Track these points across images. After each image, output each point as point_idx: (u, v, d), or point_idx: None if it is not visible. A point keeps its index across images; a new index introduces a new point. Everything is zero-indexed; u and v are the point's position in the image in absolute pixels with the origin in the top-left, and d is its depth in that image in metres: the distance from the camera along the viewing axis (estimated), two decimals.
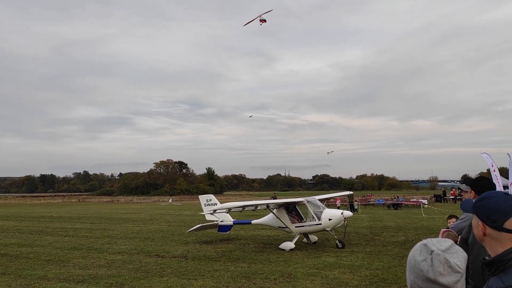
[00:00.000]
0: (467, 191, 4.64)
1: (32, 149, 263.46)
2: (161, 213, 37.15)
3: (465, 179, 5.09)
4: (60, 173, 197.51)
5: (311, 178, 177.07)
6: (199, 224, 18.05)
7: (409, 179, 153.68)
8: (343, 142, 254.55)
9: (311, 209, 15.20)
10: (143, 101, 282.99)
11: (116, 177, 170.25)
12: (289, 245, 14.60)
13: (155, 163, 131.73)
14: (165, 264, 12.22)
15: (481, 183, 4.20)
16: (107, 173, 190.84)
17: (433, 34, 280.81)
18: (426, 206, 36.58)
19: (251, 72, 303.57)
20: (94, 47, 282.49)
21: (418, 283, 1.55)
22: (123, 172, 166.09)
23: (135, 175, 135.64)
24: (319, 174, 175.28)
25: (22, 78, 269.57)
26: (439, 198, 49.20)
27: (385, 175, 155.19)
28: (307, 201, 15.65)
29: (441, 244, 1.57)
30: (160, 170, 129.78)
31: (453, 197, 46.53)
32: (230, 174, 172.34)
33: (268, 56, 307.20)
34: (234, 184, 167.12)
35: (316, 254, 13.55)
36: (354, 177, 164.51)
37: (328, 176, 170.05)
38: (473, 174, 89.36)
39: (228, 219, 17.77)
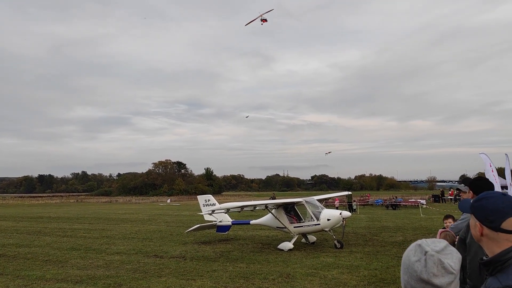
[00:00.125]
0: (466, 191, 4.65)
1: (30, 149, 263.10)
2: (160, 214, 37.12)
3: (464, 179, 5.11)
4: (58, 174, 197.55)
5: (310, 178, 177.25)
6: (197, 224, 18.03)
7: (407, 179, 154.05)
8: (342, 142, 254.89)
9: (309, 210, 15.21)
10: (142, 101, 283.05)
11: (115, 178, 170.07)
12: (287, 245, 14.60)
13: (153, 163, 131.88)
14: (164, 265, 12.21)
15: (479, 184, 4.21)
16: (106, 173, 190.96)
17: (432, 35, 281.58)
18: (425, 206, 36.65)
19: (249, 72, 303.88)
20: (93, 47, 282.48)
21: (411, 283, 1.55)
22: (121, 173, 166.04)
23: (134, 175, 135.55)
24: (317, 175, 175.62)
25: (20, 78, 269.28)
26: (438, 198, 49.25)
27: (383, 175, 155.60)
28: (306, 202, 15.66)
29: (435, 245, 1.57)
30: (158, 170, 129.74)
31: (452, 197, 46.61)
32: (228, 174, 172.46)
33: (266, 56, 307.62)
34: (232, 184, 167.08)
35: (314, 254, 13.55)
36: (353, 177, 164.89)
37: (327, 176, 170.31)
38: (471, 174, 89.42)
39: (226, 220, 17.77)
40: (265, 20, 43.16)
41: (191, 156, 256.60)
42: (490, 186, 4.22)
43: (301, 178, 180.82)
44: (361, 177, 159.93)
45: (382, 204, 41.75)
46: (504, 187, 16.49)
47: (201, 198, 19.45)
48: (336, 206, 32.63)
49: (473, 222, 1.87)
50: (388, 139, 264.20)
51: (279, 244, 15.04)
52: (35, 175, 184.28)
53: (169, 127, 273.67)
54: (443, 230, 5.91)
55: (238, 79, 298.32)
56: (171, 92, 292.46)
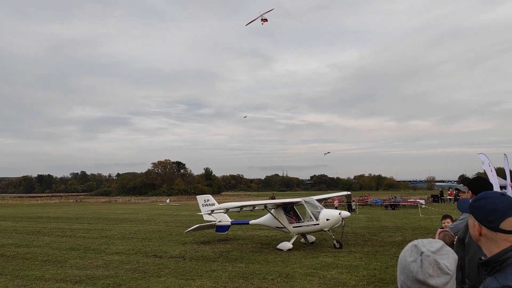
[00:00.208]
0: (465, 191, 4.66)
1: (29, 149, 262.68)
2: (159, 214, 37.09)
3: (463, 179, 5.12)
4: (57, 174, 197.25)
5: (309, 178, 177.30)
6: (197, 224, 18.03)
7: (406, 179, 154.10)
8: (341, 142, 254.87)
9: (308, 209, 15.21)
10: (141, 101, 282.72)
11: (114, 178, 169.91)
12: (287, 245, 14.60)
13: (153, 163, 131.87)
14: (163, 265, 12.21)
15: (478, 184, 4.21)
16: (105, 173, 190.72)
17: (431, 35, 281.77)
18: (424, 206, 36.68)
19: (249, 72, 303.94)
20: (92, 47, 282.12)
21: (408, 283, 1.55)
22: (120, 173, 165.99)
23: (133, 175, 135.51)
24: (317, 174, 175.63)
25: (20, 78, 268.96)
26: (437, 198, 49.28)
27: (382, 175, 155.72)
28: (305, 201, 15.66)
29: (431, 245, 1.57)
30: (158, 170, 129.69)
31: (451, 197, 46.64)
32: (228, 174, 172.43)
33: (266, 56, 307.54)
34: (232, 184, 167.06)
35: (313, 254, 13.56)
36: (352, 177, 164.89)
37: (326, 176, 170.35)
38: (470, 174, 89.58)
39: (226, 219, 17.77)
40: (266, 20, 43.18)
41: (190, 156, 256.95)
42: (489, 186, 4.23)
43: (300, 178, 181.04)
44: (360, 177, 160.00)
45: (381, 204, 41.75)
46: (503, 187, 16.51)
47: (200, 198, 19.44)
48: (335, 206, 32.65)
49: (472, 222, 1.87)
50: (387, 139, 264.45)
51: (278, 244, 15.03)
52: (34, 175, 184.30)
53: (169, 127, 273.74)
54: (442, 230, 5.92)
55: (238, 79, 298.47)
56: (170, 92, 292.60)
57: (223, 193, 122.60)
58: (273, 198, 40.03)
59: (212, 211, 15.07)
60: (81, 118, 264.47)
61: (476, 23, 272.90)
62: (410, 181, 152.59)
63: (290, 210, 15.83)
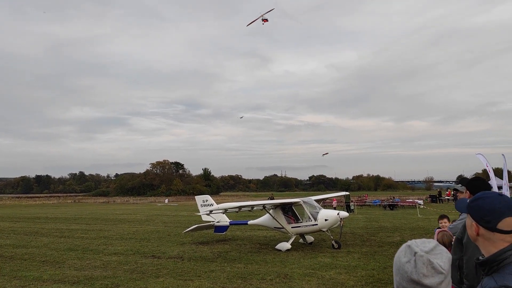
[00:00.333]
0: (463, 192, 4.67)
1: (27, 149, 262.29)
2: (157, 214, 37.05)
3: (461, 179, 5.12)
4: (55, 174, 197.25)
5: (308, 178, 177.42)
6: (195, 224, 18.01)
7: (405, 180, 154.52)
8: (339, 143, 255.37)
9: (307, 210, 15.21)
10: (139, 102, 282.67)
11: (112, 178, 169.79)
12: (285, 245, 14.60)
13: (151, 163, 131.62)
14: (161, 265, 12.19)
15: (476, 184, 4.22)
16: (103, 173, 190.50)
17: (428, 35, 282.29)
18: (422, 206, 36.74)
19: (247, 73, 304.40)
20: (90, 47, 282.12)
21: (403, 284, 1.56)
22: (119, 173, 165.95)
23: (131, 175, 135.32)
24: (315, 175, 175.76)
25: (17, 78, 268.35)
26: (435, 199, 49.39)
27: (381, 176, 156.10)
28: (303, 202, 15.66)
29: (424, 245, 1.58)
30: (156, 170, 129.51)
31: (449, 197, 46.73)
32: (226, 175, 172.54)
33: (264, 56, 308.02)
34: (230, 185, 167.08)
35: (312, 255, 13.56)
36: (350, 177, 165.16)
37: (325, 176, 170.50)
38: (468, 174, 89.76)
39: (224, 220, 17.76)
40: (266, 20, 43.21)
41: (189, 156, 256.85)
42: (487, 186, 4.24)
43: (299, 178, 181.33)
44: (359, 177, 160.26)
45: (379, 205, 41.80)
46: (500, 187, 16.56)
47: (199, 199, 19.43)
48: (333, 206, 32.65)
49: (470, 222, 1.88)
50: (385, 139, 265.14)
51: (277, 244, 15.03)
52: (33, 175, 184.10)
53: (167, 128, 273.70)
54: (440, 230, 5.93)
55: (236, 80, 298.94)
56: (168, 92, 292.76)
57: (221, 193, 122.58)
58: (272, 198, 40.02)
59: (211, 211, 15.05)
60: (79, 118, 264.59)
61: (473, 24, 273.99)
62: (408, 181, 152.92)
63: (288, 211, 15.82)
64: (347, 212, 20.60)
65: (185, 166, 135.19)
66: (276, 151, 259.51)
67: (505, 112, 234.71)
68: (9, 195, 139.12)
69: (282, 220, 15.53)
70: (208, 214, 16.04)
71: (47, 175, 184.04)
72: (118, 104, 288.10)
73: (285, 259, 12.88)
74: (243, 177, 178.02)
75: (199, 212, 18.38)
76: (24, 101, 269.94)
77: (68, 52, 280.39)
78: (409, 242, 1.63)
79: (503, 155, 17.97)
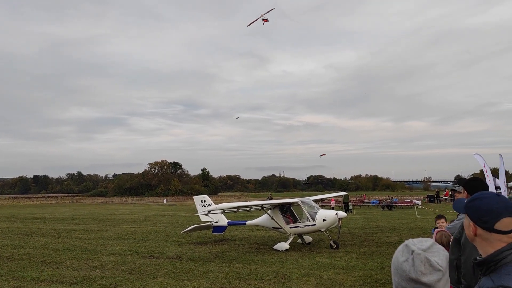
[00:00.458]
0: (460, 192, 4.67)
1: (25, 149, 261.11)
2: (156, 214, 37.02)
3: (459, 179, 5.13)
4: (53, 174, 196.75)
5: (306, 179, 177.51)
6: (193, 225, 18.01)
7: (403, 180, 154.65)
8: (338, 143, 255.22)
9: (305, 210, 15.23)
10: (138, 102, 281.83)
11: (110, 178, 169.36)
12: (283, 245, 14.61)
13: (149, 164, 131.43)
14: (159, 265, 12.18)
15: (474, 184, 4.22)
16: (101, 174, 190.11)
17: (426, 36, 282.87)
18: (420, 206, 36.79)
19: (245, 73, 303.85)
20: (89, 47, 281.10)
21: (402, 284, 1.57)
22: (117, 173, 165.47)
23: (130, 176, 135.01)
24: (313, 175, 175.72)
25: (15, 78, 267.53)
26: (433, 199, 49.50)
27: (379, 176, 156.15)
28: (302, 202, 15.67)
29: (421, 244, 1.60)
30: (154, 171, 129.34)
31: (447, 197, 46.82)
32: (225, 175, 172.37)
33: (262, 57, 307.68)
34: (228, 185, 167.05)
35: (310, 255, 13.57)
36: (349, 177, 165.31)
37: (323, 177, 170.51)
38: (466, 175, 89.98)
39: (222, 220, 17.76)
40: (267, 20, 43.23)
41: (187, 156, 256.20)
42: (485, 186, 4.24)
43: (297, 178, 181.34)
44: (357, 177, 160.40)
45: (377, 205, 41.88)
46: (498, 187, 16.59)
47: (197, 199, 19.42)
48: (332, 206, 32.70)
49: (467, 222, 1.88)
50: (383, 139, 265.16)
51: (275, 244, 15.05)
52: (30, 175, 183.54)
53: (165, 128, 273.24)
54: (439, 230, 5.94)
55: (234, 80, 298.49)
56: (167, 92, 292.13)
57: (220, 193, 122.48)
58: (270, 198, 40.06)
59: (209, 211, 15.05)
60: (77, 118, 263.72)
61: (471, 25, 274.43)
62: (406, 181, 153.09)
63: (286, 211, 15.83)
64: (345, 212, 20.61)
65: (183, 166, 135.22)
66: (275, 151, 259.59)
67: (503, 112, 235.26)
68: (7, 195, 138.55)
69: (281, 220, 15.54)
70: (206, 214, 16.04)
71: (44, 175, 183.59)
72: (117, 104, 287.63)
73: (283, 259, 12.89)
74: (242, 177, 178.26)
75: (197, 212, 18.38)
76: (22, 101, 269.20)
77: (67, 52, 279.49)
78: (406, 242, 1.65)
79: (500, 155, 18.01)
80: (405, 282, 1.55)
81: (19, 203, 78.70)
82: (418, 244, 1.60)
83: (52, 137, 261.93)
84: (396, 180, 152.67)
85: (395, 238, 17.22)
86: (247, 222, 17.70)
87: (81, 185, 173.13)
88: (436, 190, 63.26)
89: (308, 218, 15.01)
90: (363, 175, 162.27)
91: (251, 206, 15.88)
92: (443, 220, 7.55)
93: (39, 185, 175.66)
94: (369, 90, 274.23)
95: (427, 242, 1.61)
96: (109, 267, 12.06)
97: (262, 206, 15.69)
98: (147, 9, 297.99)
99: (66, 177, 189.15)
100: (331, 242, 14.79)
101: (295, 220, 15.56)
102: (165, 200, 76.60)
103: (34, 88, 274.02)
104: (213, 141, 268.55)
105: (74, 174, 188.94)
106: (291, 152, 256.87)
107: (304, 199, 16.39)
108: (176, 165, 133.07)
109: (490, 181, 15.32)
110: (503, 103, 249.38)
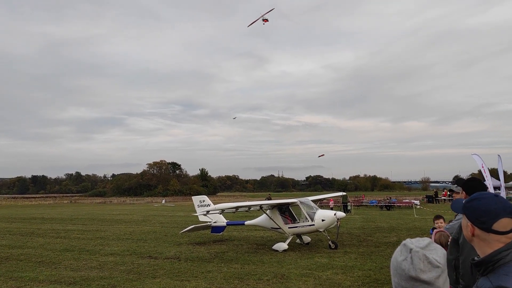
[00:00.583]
0: (459, 192, 4.68)
1: (23, 150, 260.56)
2: (154, 214, 36.98)
3: (457, 180, 5.13)
4: (51, 174, 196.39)
5: (305, 179, 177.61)
6: (192, 225, 17.99)
7: (401, 180, 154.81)
8: (337, 143, 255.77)
9: (304, 210, 15.23)
10: (137, 102, 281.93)
11: (109, 178, 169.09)
12: (282, 246, 14.61)
13: (148, 164, 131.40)
14: (158, 266, 12.17)
15: (472, 184, 4.23)
16: (100, 174, 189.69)
17: (425, 36, 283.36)
18: (418, 207, 36.83)
19: (244, 73, 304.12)
20: (87, 48, 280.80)
21: (402, 283, 1.58)
22: (115, 173, 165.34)
23: (128, 176, 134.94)
24: (312, 175, 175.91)
25: (14, 78, 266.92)
26: (431, 199, 49.55)
27: (378, 176, 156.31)
28: (300, 202, 15.68)
29: (419, 242, 1.62)
30: (153, 171, 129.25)
31: (445, 198, 46.87)
32: (223, 175, 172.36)
33: (261, 57, 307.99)
34: (227, 185, 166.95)
35: (309, 255, 13.58)
36: (347, 178, 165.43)
37: (322, 177, 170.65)
38: (464, 175, 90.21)
39: (221, 220, 17.74)
40: (267, 20, 43.24)
41: (186, 156, 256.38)
42: (483, 186, 4.25)
43: (296, 178, 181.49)
44: (356, 177, 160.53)
45: (376, 205, 41.91)
46: (496, 187, 16.63)
47: (196, 199, 19.41)
48: (330, 206, 32.71)
49: (465, 223, 1.88)
50: (382, 140, 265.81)
51: (274, 244, 15.04)
52: (29, 175, 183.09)
53: (164, 128, 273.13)
54: (438, 230, 5.95)
55: (233, 80, 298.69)
56: (165, 92, 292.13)
57: (218, 194, 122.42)
58: (269, 199, 40.05)
59: (208, 211, 15.05)
60: (75, 118, 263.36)
61: (470, 25, 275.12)
62: (405, 181, 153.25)
63: (285, 211, 15.83)
64: (344, 212, 20.63)
65: (182, 167, 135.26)
66: (274, 151, 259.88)
67: (501, 113, 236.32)
68: (5, 195, 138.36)
69: (279, 220, 15.54)
70: (205, 215, 16.04)
71: (43, 176, 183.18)
72: (115, 104, 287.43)
73: (282, 259, 12.89)
74: (240, 177, 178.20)
75: (196, 213, 18.36)
76: (20, 101, 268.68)
77: (65, 52, 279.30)
78: (404, 242, 1.67)
79: (498, 155, 18.05)
80: (405, 281, 1.56)
81: (17, 203, 78.55)
82: (416, 242, 1.62)
83: (51, 137, 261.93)
84: (394, 180, 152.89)
85: (394, 238, 17.23)
86: (246, 222, 17.70)
87: (79, 185, 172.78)
88: (435, 190, 63.33)
89: (306, 218, 15.01)
90: (361, 175, 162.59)
91: (249, 206, 15.88)
92: (441, 220, 7.56)
93: (37, 185, 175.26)
94: (368, 90, 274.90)
95: (424, 240, 1.63)
96: (108, 268, 12.04)
97: (260, 206, 15.69)
98: (146, 9, 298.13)
99: (64, 177, 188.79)
100: (330, 242, 14.79)
101: (293, 220, 15.56)
102: (163, 200, 76.55)
103: (32, 88, 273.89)
104: (212, 141, 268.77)
105: (72, 174, 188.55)
106: (290, 152, 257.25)
107: (302, 199, 16.39)
108: (175, 165, 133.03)
109: (489, 181, 15.35)
110: (501, 104, 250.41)
